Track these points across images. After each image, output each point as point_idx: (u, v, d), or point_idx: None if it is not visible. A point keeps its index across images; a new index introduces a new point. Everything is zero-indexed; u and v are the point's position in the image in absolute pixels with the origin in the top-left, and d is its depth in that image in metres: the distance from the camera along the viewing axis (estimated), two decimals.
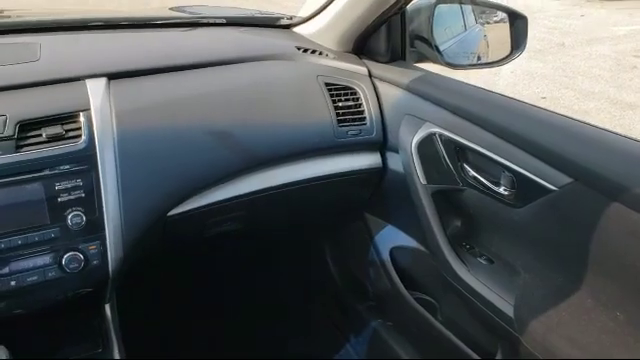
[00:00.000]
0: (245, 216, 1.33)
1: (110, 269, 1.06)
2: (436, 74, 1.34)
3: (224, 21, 1.50)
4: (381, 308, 1.61)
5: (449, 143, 1.19)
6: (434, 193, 1.24)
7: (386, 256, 1.49)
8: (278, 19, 1.58)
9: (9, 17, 1.59)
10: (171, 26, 1.45)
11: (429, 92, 1.25)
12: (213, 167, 1.18)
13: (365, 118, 1.32)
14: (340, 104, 1.31)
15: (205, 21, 1.48)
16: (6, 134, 0.98)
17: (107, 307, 1.20)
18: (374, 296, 1.61)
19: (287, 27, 1.55)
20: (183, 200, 1.15)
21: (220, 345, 1.62)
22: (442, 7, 1.40)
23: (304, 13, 1.52)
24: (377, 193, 1.44)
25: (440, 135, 1.20)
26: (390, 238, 1.49)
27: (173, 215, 1.14)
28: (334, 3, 1.35)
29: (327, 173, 1.33)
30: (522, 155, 1.03)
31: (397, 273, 1.48)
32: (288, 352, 1.66)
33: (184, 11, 1.62)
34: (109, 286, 1.11)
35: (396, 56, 1.40)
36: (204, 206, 1.18)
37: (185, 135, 1.14)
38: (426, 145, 1.23)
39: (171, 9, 1.68)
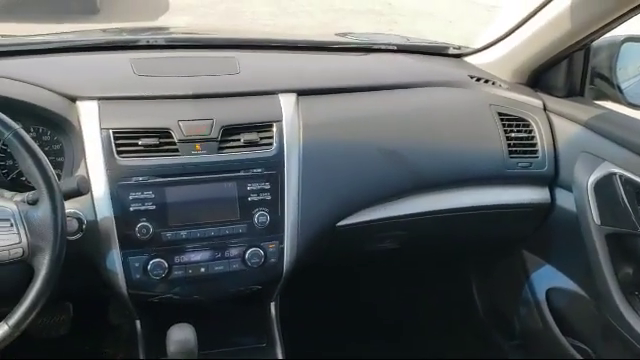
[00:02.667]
0: (405, 236, 1.35)
1: (284, 268, 1.14)
2: (617, 112, 1.29)
3: (395, 48, 1.56)
4: (528, 349, 1.55)
5: (629, 184, 1.14)
6: (608, 235, 1.19)
7: (542, 296, 1.44)
8: (447, 48, 1.61)
9: (203, 34, 1.77)
10: (346, 50, 1.53)
11: (609, 130, 1.21)
12: (383, 184, 1.22)
13: (537, 151, 1.30)
14: (512, 135, 1.30)
15: (377, 47, 1.54)
16: (212, 136, 1.10)
17: (272, 305, 1.28)
18: (521, 335, 1.56)
19: (457, 56, 1.57)
20: (352, 213, 1.21)
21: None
22: (626, 45, 1.36)
23: (477, 44, 1.54)
24: (540, 230, 1.40)
25: (620, 176, 1.15)
26: (548, 278, 1.44)
27: (342, 226, 1.20)
28: (514, 35, 1.35)
29: (492, 203, 1.32)
30: None
31: (552, 315, 1.42)
32: None
33: (348, 37, 1.70)
34: (279, 285, 1.19)
35: (573, 91, 1.37)
36: (370, 221, 1.23)
37: (361, 152, 1.21)
38: (603, 185, 1.19)
39: (336, 34, 1.78)
